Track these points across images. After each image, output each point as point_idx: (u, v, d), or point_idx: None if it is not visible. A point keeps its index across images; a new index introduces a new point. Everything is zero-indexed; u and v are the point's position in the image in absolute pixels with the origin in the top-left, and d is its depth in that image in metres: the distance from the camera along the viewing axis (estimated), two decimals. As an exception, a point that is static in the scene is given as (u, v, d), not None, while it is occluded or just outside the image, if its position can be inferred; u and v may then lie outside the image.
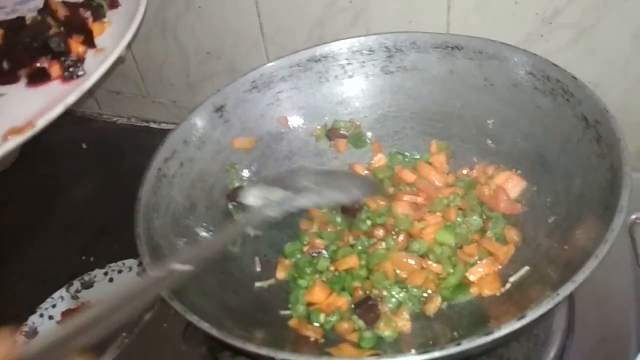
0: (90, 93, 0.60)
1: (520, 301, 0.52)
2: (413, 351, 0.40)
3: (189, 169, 0.65)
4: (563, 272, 0.48)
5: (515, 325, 0.40)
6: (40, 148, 1.30)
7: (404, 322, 0.54)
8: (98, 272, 0.97)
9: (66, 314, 0.92)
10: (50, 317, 0.91)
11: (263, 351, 0.42)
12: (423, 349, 0.40)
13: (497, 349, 0.55)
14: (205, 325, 0.45)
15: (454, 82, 0.69)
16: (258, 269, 0.64)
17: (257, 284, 0.61)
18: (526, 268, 0.56)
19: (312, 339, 0.54)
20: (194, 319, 0.46)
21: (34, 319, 0.90)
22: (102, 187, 1.16)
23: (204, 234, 0.62)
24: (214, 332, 0.44)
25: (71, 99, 0.55)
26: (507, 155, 0.65)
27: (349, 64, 0.72)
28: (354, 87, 0.73)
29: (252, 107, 0.71)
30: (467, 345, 0.39)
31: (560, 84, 0.60)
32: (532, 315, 0.41)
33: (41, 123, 0.52)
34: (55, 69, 0.67)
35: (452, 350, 0.39)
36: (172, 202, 0.61)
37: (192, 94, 1.13)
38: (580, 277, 0.42)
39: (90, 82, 0.60)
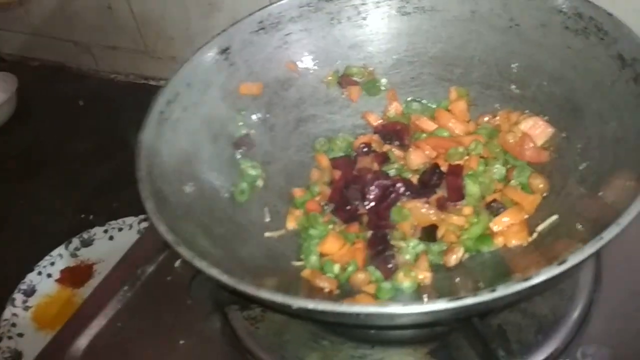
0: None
1: (549, 251, 0.49)
2: (444, 299, 0.36)
3: (193, 114, 0.61)
4: (597, 219, 0.45)
5: (555, 270, 0.37)
6: (36, 105, 1.27)
7: (424, 273, 0.51)
8: (98, 230, 0.95)
9: (65, 272, 0.91)
10: (49, 275, 0.90)
11: (278, 298, 0.39)
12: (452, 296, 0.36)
13: (527, 299, 0.52)
14: (214, 272, 0.41)
15: (476, 24, 0.64)
16: (267, 219, 0.60)
17: (267, 234, 0.58)
18: (555, 217, 0.52)
19: (327, 290, 0.51)
20: (202, 265, 0.42)
21: (32, 277, 0.89)
22: (99, 144, 1.13)
23: (211, 179, 0.58)
24: (224, 278, 0.41)
25: None
26: (533, 101, 0.62)
27: (363, 4, 0.67)
28: (368, 29, 0.68)
29: (259, 50, 0.66)
30: (502, 291, 0.36)
31: (593, 21, 0.57)
32: (573, 260, 0.37)
33: None
34: None
35: (486, 297, 0.36)
36: (175, 148, 0.57)
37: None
38: (625, 219, 0.39)
39: None
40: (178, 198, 0.53)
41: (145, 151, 0.52)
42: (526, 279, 0.37)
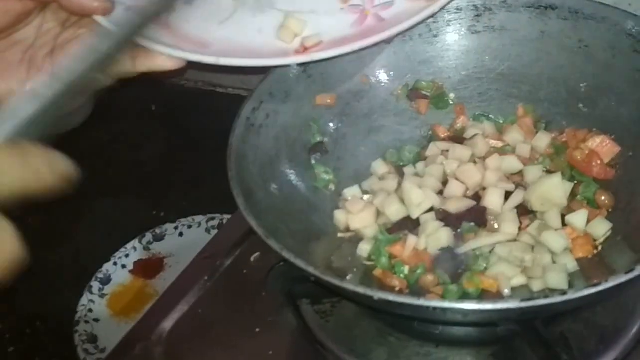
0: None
1: (614, 263, 0.51)
2: (516, 299, 0.39)
3: (274, 121, 0.65)
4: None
5: (622, 278, 0.40)
6: (111, 107, 1.34)
7: (491, 282, 0.54)
8: (169, 226, 1.00)
9: (138, 263, 0.96)
10: (124, 266, 0.96)
11: (360, 290, 0.43)
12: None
13: (595, 305, 0.54)
14: (301, 263, 0.46)
15: (545, 44, 0.67)
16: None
17: (339, 235, 0.62)
18: (609, 227, 0.55)
19: (397, 289, 0.55)
20: (290, 256, 0.47)
21: (108, 267, 0.95)
22: (170, 146, 1.19)
23: (290, 181, 0.62)
24: (311, 269, 0.45)
25: None
26: (600, 120, 0.64)
27: (434, 22, 0.70)
28: (439, 46, 0.71)
29: (334, 63, 0.70)
30: (572, 295, 0.39)
31: (663, 46, 0.59)
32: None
33: None
34: None
35: (557, 299, 0.39)
36: (259, 152, 0.62)
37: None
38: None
39: None
40: (263, 196, 0.58)
41: (234, 153, 0.57)
42: (595, 285, 0.39)
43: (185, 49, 0.53)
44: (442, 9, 0.61)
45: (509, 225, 0.57)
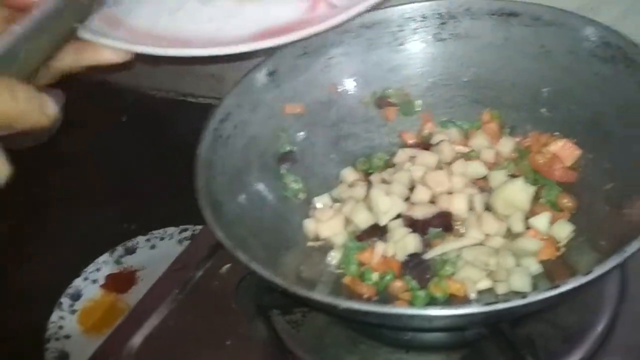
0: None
1: (576, 265, 0.52)
2: (478, 304, 0.40)
3: (243, 132, 0.65)
4: (621, 235, 0.48)
5: (582, 280, 0.41)
6: (80, 119, 1.32)
7: (458, 287, 0.54)
8: (140, 239, 0.99)
9: (110, 278, 0.94)
10: (94, 281, 0.94)
11: (326, 299, 0.43)
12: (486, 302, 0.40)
13: (556, 307, 0.55)
14: (267, 274, 0.46)
15: (509, 50, 0.68)
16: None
17: (309, 244, 0.62)
18: (572, 229, 0.56)
19: (366, 296, 0.55)
20: (257, 267, 0.47)
21: (78, 282, 0.93)
22: (141, 158, 1.17)
23: (259, 191, 0.62)
24: (278, 280, 0.45)
25: None
26: (562, 124, 0.65)
27: (400, 31, 0.71)
28: (405, 54, 0.72)
29: (303, 72, 0.71)
30: (532, 298, 0.40)
31: (621, 50, 0.60)
32: (598, 271, 0.41)
33: None
34: None
35: (517, 302, 0.40)
36: (227, 163, 0.62)
37: (231, 69, 1.13)
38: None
39: None
40: (231, 207, 0.57)
41: (202, 164, 0.57)
42: (554, 287, 0.40)
43: (133, 41, 0.52)
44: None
45: (474, 230, 0.58)
